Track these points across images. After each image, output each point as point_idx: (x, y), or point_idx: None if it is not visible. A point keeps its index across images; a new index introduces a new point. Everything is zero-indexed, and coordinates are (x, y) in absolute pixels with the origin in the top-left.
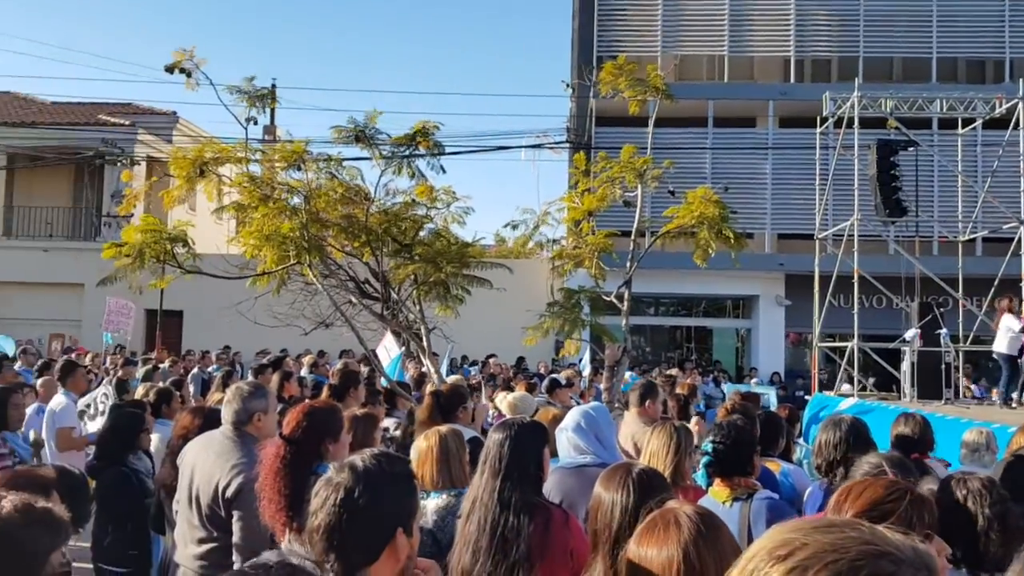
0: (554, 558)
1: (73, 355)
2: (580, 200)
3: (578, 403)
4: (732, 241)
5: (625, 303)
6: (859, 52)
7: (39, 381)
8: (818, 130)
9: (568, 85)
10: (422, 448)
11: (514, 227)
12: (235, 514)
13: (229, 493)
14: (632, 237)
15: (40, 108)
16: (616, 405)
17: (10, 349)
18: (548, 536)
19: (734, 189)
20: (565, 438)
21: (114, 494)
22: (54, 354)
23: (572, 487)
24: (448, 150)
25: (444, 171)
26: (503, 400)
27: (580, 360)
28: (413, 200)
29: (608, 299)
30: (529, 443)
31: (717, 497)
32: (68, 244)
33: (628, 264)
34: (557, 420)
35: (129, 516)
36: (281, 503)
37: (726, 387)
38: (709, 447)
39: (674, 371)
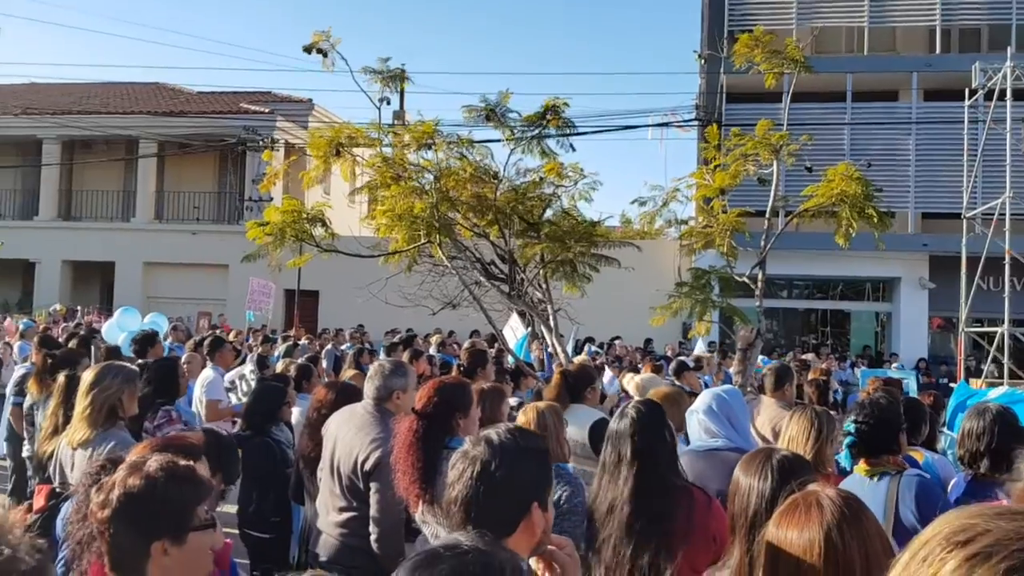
0: (697, 542)
1: (218, 331)
2: (711, 177)
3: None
4: (876, 221)
5: (759, 284)
6: (1011, 20)
7: (184, 356)
8: (966, 103)
9: (700, 56)
10: (520, 422)
11: (642, 203)
12: (372, 486)
13: (368, 466)
14: (766, 216)
15: (187, 98)
16: (748, 389)
17: (163, 327)
18: (691, 520)
19: (875, 166)
20: (696, 421)
21: (258, 463)
22: (202, 331)
23: (703, 470)
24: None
25: (574, 149)
26: (630, 381)
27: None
28: (541, 178)
29: (740, 280)
30: (656, 424)
31: (862, 474)
32: (213, 227)
33: (762, 244)
34: (668, 398)
35: (272, 484)
36: (415, 476)
37: (860, 372)
38: (852, 427)
39: (808, 356)
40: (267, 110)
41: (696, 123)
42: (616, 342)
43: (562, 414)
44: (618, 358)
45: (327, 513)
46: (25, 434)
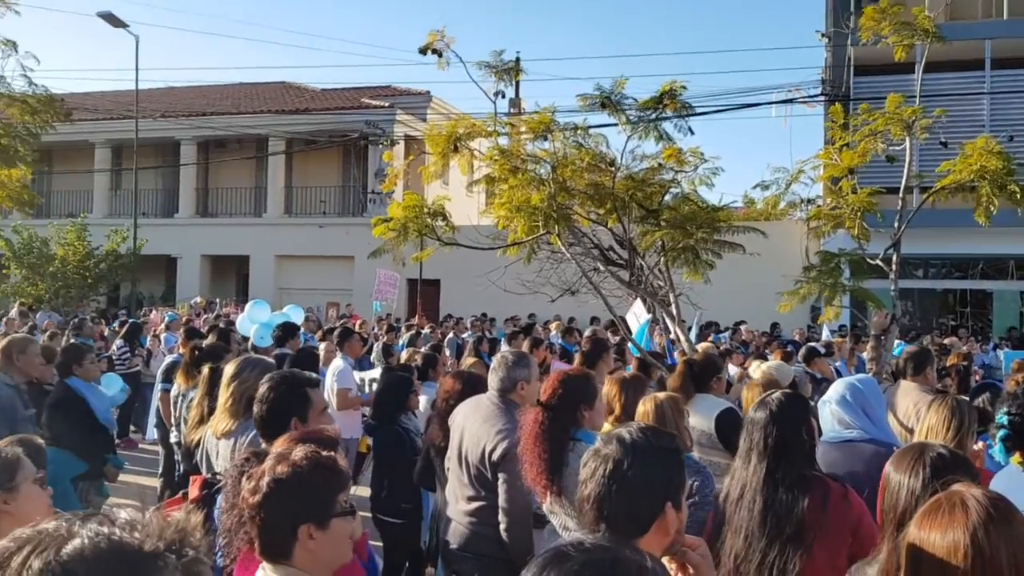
0: (833, 535)
1: (346, 321)
2: (839, 156)
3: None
4: (1019, 197)
5: (893, 266)
6: None
7: (321, 346)
8: None
9: (823, 35)
10: (639, 412)
11: (765, 187)
12: (500, 476)
13: (495, 456)
14: (900, 194)
15: (312, 96)
16: (884, 377)
17: (299, 318)
18: (826, 512)
19: (1019, 138)
20: (829, 411)
21: (389, 451)
22: (331, 320)
23: (836, 461)
24: (691, 106)
25: (692, 132)
26: (757, 369)
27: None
28: (660, 164)
29: (873, 262)
30: (793, 417)
31: (1019, 467)
32: (339, 220)
33: (896, 224)
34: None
35: (402, 472)
36: (541, 467)
37: (1003, 354)
38: (1004, 419)
39: (949, 339)
40: (387, 104)
41: (822, 98)
42: (741, 327)
43: (681, 404)
44: (744, 343)
45: (456, 502)
46: (172, 421)
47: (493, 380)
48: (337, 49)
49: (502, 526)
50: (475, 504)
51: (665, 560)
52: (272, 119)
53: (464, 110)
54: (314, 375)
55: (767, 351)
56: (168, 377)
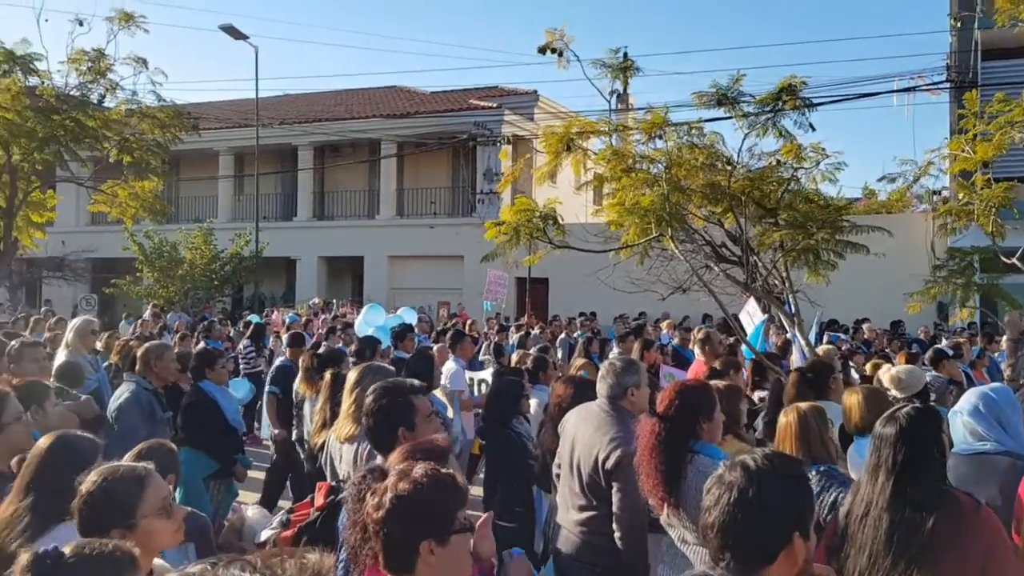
0: (964, 555)
1: (456, 321)
2: (971, 148)
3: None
4: None
5: None
6: None
7: (435, 348)
8: None
9: (956, 18)
10: (782, 424)
11: (892, 180)
12: (614, 485)
13: (609, 465)
14: None
15: (421, 99)
16: (1021, 382)
17: (412, 320)
18: (956, 531)
19: None
20: (960, 422)
21: (501, 455)
22: (442, 319)
23: (968, 475)
24: (811, 102)
25: (813, 128)
26: (885, 373)
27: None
28: (778, 161)
29: (1009, 261)
30: (924, 433)
31: None
32: (449, 220)
33: None
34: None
35: (515, 475)
36: (658, 479)
37: None
38: None
39: None
40: (495, 105)
41: (948, 85)
42: (863, 325)
43: (826, 414)
44: (866, 342)
45: (567, 510)
46: (295, 418)
47: (602, 388)
48: (445, 53)
49: (617, 534)
50: (587, 513)
51: None
52: (383, 123)
53: (571, 109)
54: (417, 382)
55: (889, 351)
56: (276, 380)
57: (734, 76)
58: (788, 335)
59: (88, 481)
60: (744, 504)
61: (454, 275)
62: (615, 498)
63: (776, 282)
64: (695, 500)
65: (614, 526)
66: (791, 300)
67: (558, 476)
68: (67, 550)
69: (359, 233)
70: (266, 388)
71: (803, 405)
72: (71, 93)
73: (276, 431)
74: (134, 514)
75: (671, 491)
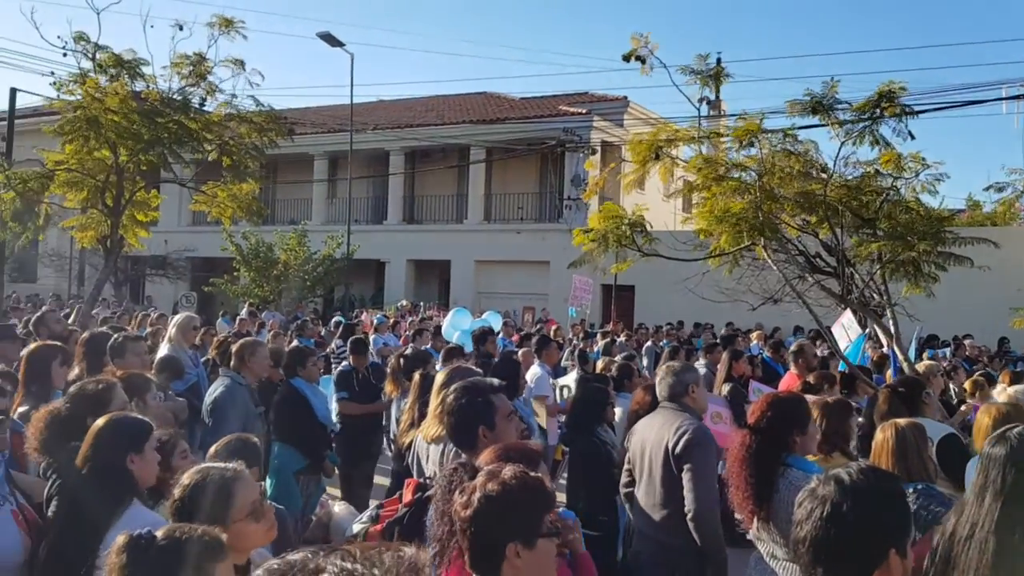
0: None
1: (542, 326)
2: None
3: None
4: None
5: None
6: None
7: (520, 352)
8: None
9: None
10: (878, 439)
11: (1000, 189)
12: (684, 468)
13: (678, 449)
14: None
15: (510, 104)
16: None
17: (497, 324)
18: None
19: None
20: None
21: (585, 463)
22: (526, 324)
23: None
24: (912, 109)
25: (913, 137)
26: (1002, 392)
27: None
28: (876, 171)
29: None
30: None
31: None
32: (535, 226)
33: None
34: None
35: (599, 484)
36: (748, 491)
37: None
38: None
39: None
40: (584, 111)
41: None
42: (966, 341)
43: (925, 431)
44: (968, 359)
45: (643, 514)
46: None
47: (663, 388)
48: (535, 59)
49: (689, 516)
50: (663, 512)
51: None
52: (473, 128)
53: (662, 114)
54: (497, 381)
55: (990, 369)
56: (343, 385)
57: (828, 83)
58: (885, 350)
59: (180, 486)
60: (838, 519)
61: (540, 280)
62: (685, 480)
63: (873, 295)
64: (787, 514)
65: (687, 507)
66: (889, 314)
67: (628, 484)
68: (159, 534)
69: (447, 237)
70: (333, 395)
71: (901, 421)
72: (173, 96)
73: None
74: (225, 519)
75: (761, 505)
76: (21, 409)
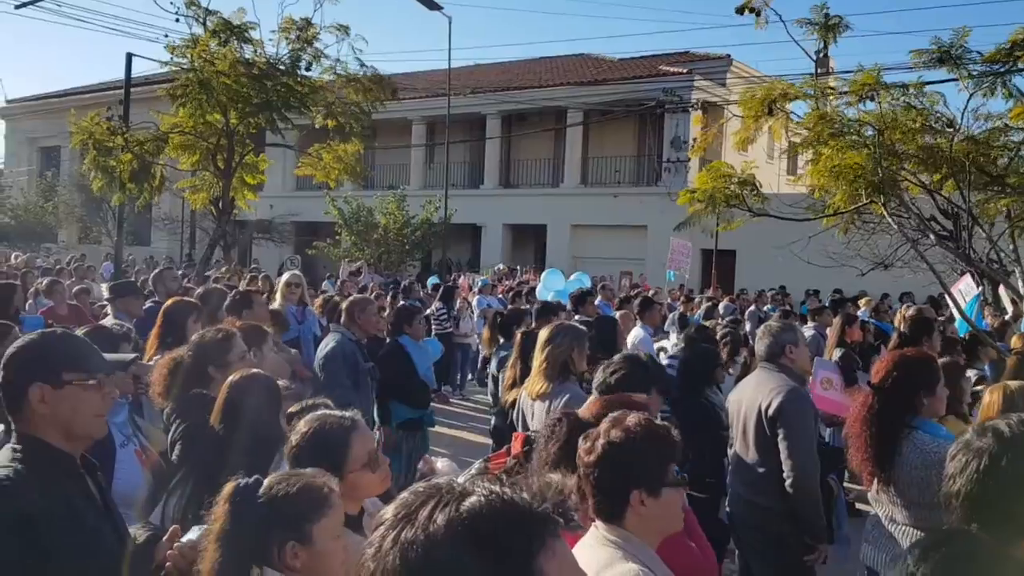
0: None
1: (640, 289)
2: None
3: None
4: None
5: None
6: None
7: (619, 314)
8: None
9: None
10: (985, 402)
11: None
12: (780, 432)
13: (771, 411)
14: None
15: (609, 66)
16: None
17: (586, 284)
18: None
19: None
20: None
21: (693, 425)
22: (624, 290)
23: None
24: None
25: None
26: None
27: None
28: (1007, 125)
29: None
30: None
31: None
32: (633, 190)
33: None
34: None
35: (707, 446)
36: (868, 452)
37: None
38: None
39: None
40: (685, 71)
41: None
42: None
43: None
44: None
45: (739, 474)
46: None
47: (760, 347)
48: (638, 16)
49: (788, 482)
50: (757, 472)
51: None
52: (570, 91)
53: (766, 72)
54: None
55: None
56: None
57: (959, 31)
58: (1008, 316)
59: (297, 432)
60: (996, 472)
61: (637, 245)
62: (782, 446)
63: (1000, 254)
64: (911, 478)
65: (784, 473)
66: (1018, 273)
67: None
68: (267, 481)
69: (543, 201)
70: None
71: (1013, 384)
72: (281, 60)
73: None
74: (342, 467)
75: (883, 467)
76: (156, 358)
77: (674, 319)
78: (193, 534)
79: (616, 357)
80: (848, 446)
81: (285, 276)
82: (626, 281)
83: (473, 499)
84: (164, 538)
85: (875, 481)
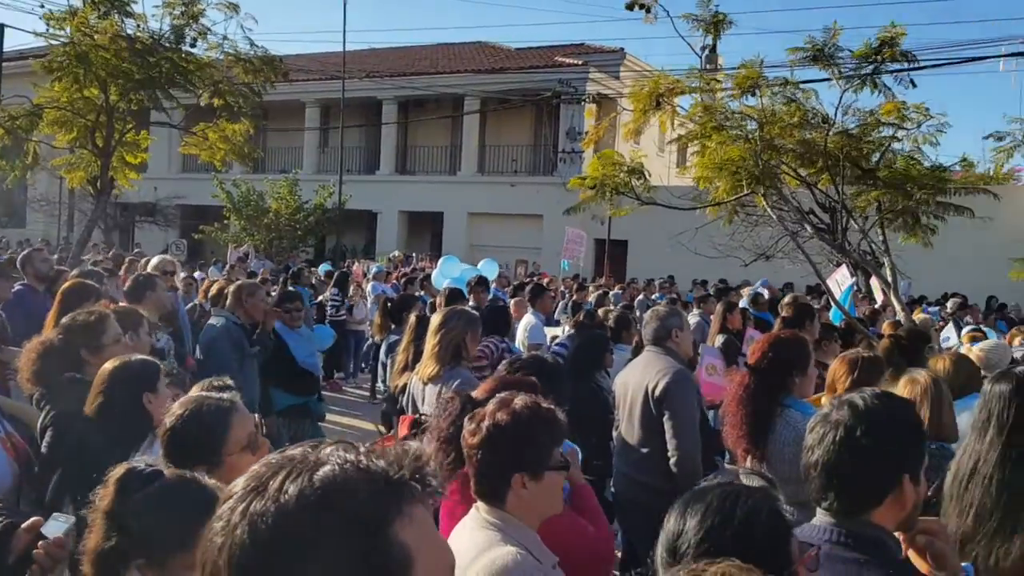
0: None
1: (535, 277)
2: None
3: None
4: None
5: None
6: None
7: (512, 302)
8: None
9: None
10: (832, 368)
11: (999, 138)
12: (665, 412)
13: (658, 392)
14: None
15: (506, 55)
16: None
17: (492, 272)
18: None
19: None
20: None
21: (583, 408)
22: (520, 278)
23: None
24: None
25: (914, 85)
26: (969, 351)
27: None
28: (878, 120)
29: None
30: None
31: None
32: (529, 179)
33: None
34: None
35: (595, 430)
36: (743, 429)
37: None
38: None
39: None
40: (580, 62)
41: None
42: (951, 301)
43: (946, 389)
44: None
45: (625, 455)
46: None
47: (648, 332)
48: (532, 6)
49: (672, 460)
50: (643, 451)
51: (900, 537)
52: (468, 78)
53: (657, 67)
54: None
55: (984, 327)
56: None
57: (830, 30)
58: (877, 305)
59: (173, 415)
60: (851, 443)
61: (533, 234)
62: (667, 425)
63: (871, 245)
64: (783, 454)
65: (669, 452)
66: (888, 265)
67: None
68: (167, 474)
69: (440, 189)
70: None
71: (921, 377)
72: (165, 36)
73: None
74: (220, 451)
75: (757, 444)
76: None
77: (567, 306)
78: (55, 525)
79: (526, 356)
80: (723, 424)
81: (154, 260)
82: (522, 269)
83: (327, 468)
84: (23, 527)
85: (748, 458)
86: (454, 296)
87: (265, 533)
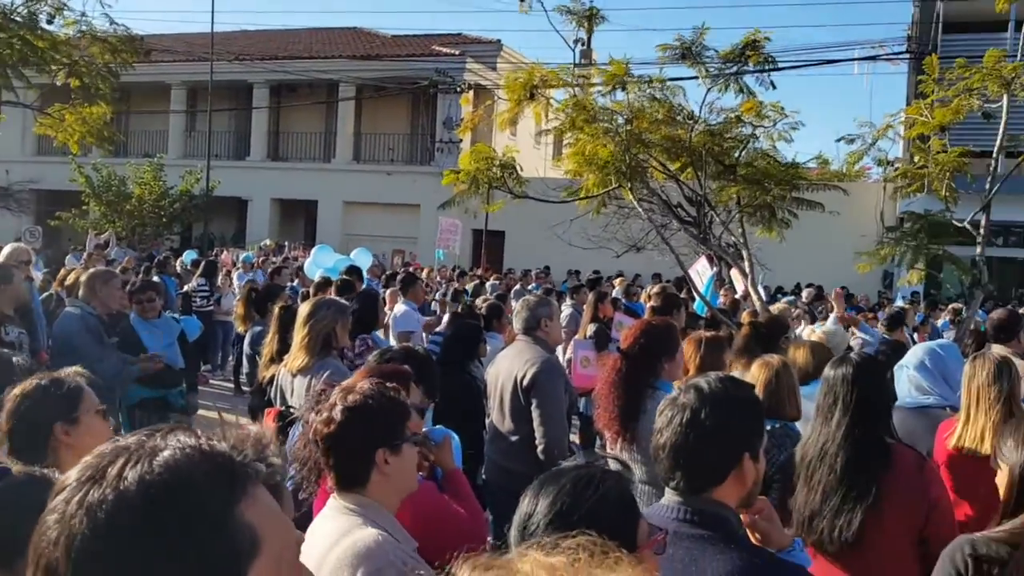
0: (906, 505)
1: (409, 267)
2: (930, 112)
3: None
4: None
5: (982, 231)
6: None
7: (386, 292)
8: None
9: None
10: (749, 377)
11: (850, 141)
12: (533, 401)
13: (526, 382)
14: (994, 154)
15: (382, 42)
16: (967, 342)
17: (366, 262)
18: (899, 480)
19: None
20: (906, 376)
21: (456, 397)
22: (395, 267)
23: (913, 428)
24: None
25: (774, 86)
26: (811, 335)
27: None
28: (738, 118)
29: (960, 225)
30: (877, 376)
31: None
32: (406, 168)
33: (987, 186)
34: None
35: (468, 418)
36: (615, 413)
37: None
38: None
39: None
40: (457, 52)
41: (907, 56)
42: (807, 290)
43: (795, 372)
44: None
45: (495, 442)
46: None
47: (518, 322)
48: None
49: (539, 448)
50: (512, 439)
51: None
52: (343, 64)
53: (534, 60)
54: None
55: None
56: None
57: (699, 29)
58: (738, 295)
59: (24, 384)
60: (696, 424)
61: (410, 224)
62: (535, 413)
63: (732, 237)
64: (652, 435)
65: (536, 440)
66: (747, 257)
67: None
68: (15, 470)
69: (314, 176)
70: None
71: (774, 360)
72: (16, 11)
73: None
74: (77, 407)
75: (628, 426)
76: None
77: (446, 297)
78: None
79: (397, 347)
80: (596, 407)
81: (7, 249)
82: (398, 259)
83: (167, 453)
84: None
85: (618, 440)
86: (324, 285)
87: (105, 521)
